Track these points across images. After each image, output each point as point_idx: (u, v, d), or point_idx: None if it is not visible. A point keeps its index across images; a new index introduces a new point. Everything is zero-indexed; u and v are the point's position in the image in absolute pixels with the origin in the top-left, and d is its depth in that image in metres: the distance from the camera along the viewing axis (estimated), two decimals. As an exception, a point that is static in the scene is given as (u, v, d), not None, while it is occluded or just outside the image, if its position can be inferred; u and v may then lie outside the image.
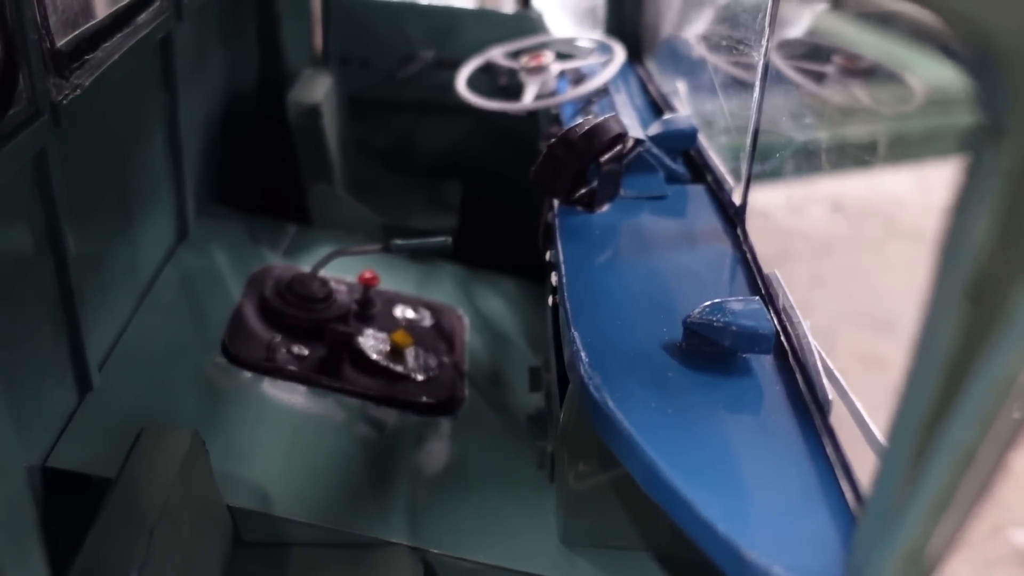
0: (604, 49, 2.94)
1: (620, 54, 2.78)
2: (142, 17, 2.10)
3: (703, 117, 2.53)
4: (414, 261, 3.00)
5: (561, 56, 2.97)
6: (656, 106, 2.84)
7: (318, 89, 3.00)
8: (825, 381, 1.51)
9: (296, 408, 2.17)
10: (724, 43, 2.52)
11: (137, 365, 2.11)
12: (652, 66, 3.12)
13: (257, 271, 2.64)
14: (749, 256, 1.97)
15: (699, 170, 2.40)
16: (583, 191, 2.18)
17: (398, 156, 3.58)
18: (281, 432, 2.07)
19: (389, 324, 2.58)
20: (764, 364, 1.63)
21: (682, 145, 2.34)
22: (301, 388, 2.23)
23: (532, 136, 3.25)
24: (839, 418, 1.50)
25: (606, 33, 3.15)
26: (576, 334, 1.68)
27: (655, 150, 2.31)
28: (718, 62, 2.61)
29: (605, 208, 2.20)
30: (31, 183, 1.65)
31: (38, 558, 1.61)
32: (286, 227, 3.02)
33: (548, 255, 2.30)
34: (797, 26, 2.86)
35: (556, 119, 2.94)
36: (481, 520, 1.98)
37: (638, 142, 2.27)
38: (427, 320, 2.67)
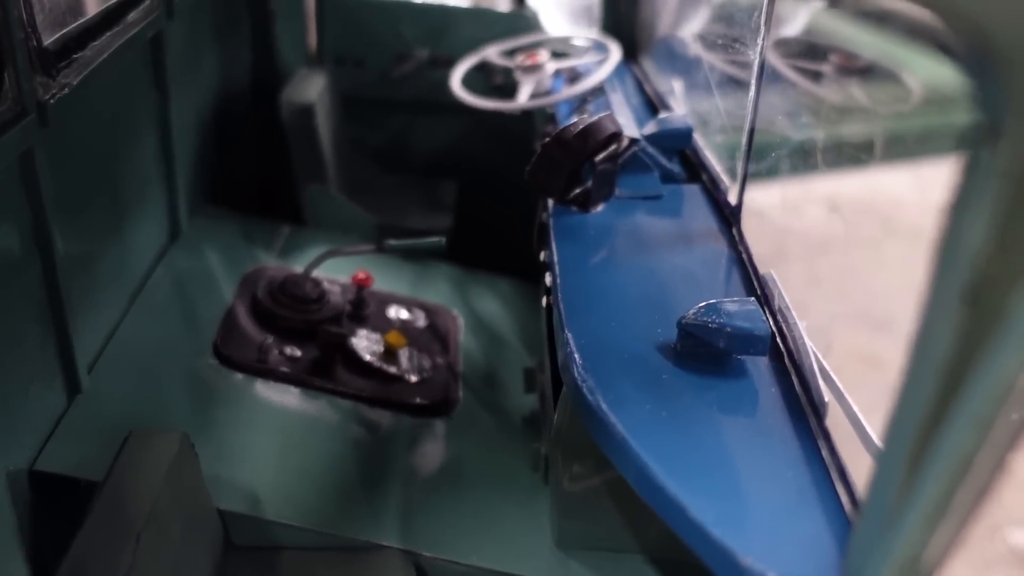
0: (600, 48, 2.92)
1: (616, 53, 2.76)
2: (132, 16, 2.08)
3: (699, 116, 2.51)
4: (408, 261, 2.98)
5: (556, 55, 2.95)
6: (652, 105, 2.82)
7: (312, 88, 2.98)
8: (821, 383, 1.49)
9: (288, 410, 2.15)
10: (720, 42, 2.50)
11: (127, 367, 2.09)
12: (648, 65, 3.10)
13: (250, 272, 2.62)
14: (745, 256, 1.96)
15: (695, 169, 2.39)
16: (578, 191, 2.16)
17: (393, 156, 3.56)
18: (273, 434, 2.06)
19: (383, 325, 2.56)
20: (760, 366, 1.62)
21: (677, 144, 2.33)
22: (293, 390, 2.21)
23: (527, 135, 3.24)
24: (835, 421, 1.48)
25: (602, 32, 3.14)
26: (570, 335, 1.67)
27: (650, 149, 2.29)
28: (714, 61, 2.59)
29: (600, 208, 2.18)
30: (18, 183, 1.63)
31: (19, 563, 1.60)
32: (280, 227, 3.00)
33: (542, 255, 2.28)
34: (793, 25, 2.85)
35: (551, 118, 2.92)
36: (475, 523, 1.97)
37: (633, 141, 2.25)
38: (421, 321, 2.65)
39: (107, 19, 1.96)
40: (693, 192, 2.30)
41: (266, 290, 2.45)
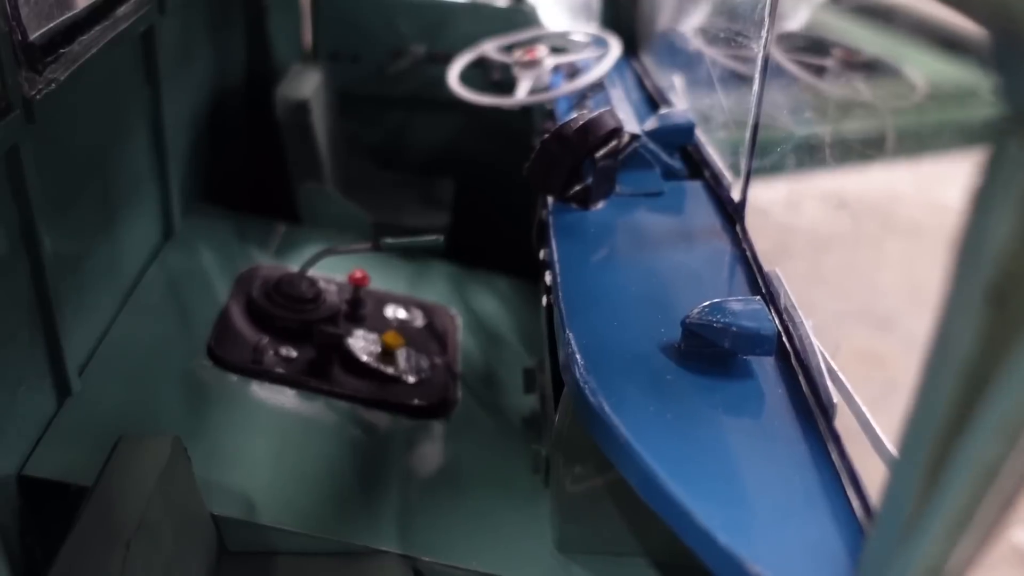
0: (599, 43, 2.88)
1: (615, 48, 2.72)
2: (122, 10, 2.04)
3: (701, 111, 2.47)
4: (405, 260, 2.94)
5: (555, 50, 2.91)
6: (653, 101, 2.78)
7: (307, 84, 2.94)
8: (829, 384, 1.45)
9: (284, 412, 2.11)
10: (722, 36, 2.46)
11: (119, 369, 2.05)
12: (648, 60, 3.06)
13: (244, 271, 2.58)
14: (749, 254, 1.92)
15: (696, 166, 2.35)
16: (578, 188, 2.12)
17: (389, 153, 3.52)
18: (268, 437, 2.02)
19: (380, 324, 2.52)
20: (765, 366, 1.58)
21: (679, 140, 2.29)
22: (289, 391, 2.17)
23: (526, 132, 3.19)
24: (844, 422, 1.44)
25: (601, 26, 3.09)
26: (571, 335, 1.63)
27: (651, 145, 2.25)
28: (716, 55, 2.55)
29: (600, 205, 2.14)
30: (3, 180, 1.59)
31: (3, 571, 1.55)
32: (275, 226, 2.96)
33: (542, 253, 2.24)
34: (796, 20, 2.81)
35: (550, 114, 2.88)
36: (474, 526, 1.93)
37: (634, 137, 2.21)
38: (419, 320, 2.61)
39: (96, 13, 1.92)
40: (695, 189, 2.26)
41: (261, 290, 2.41)
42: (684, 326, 1.57)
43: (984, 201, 0.77)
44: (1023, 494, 0.80)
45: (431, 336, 2.57)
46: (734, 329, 1.51)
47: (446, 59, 3.08)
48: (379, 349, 2.35)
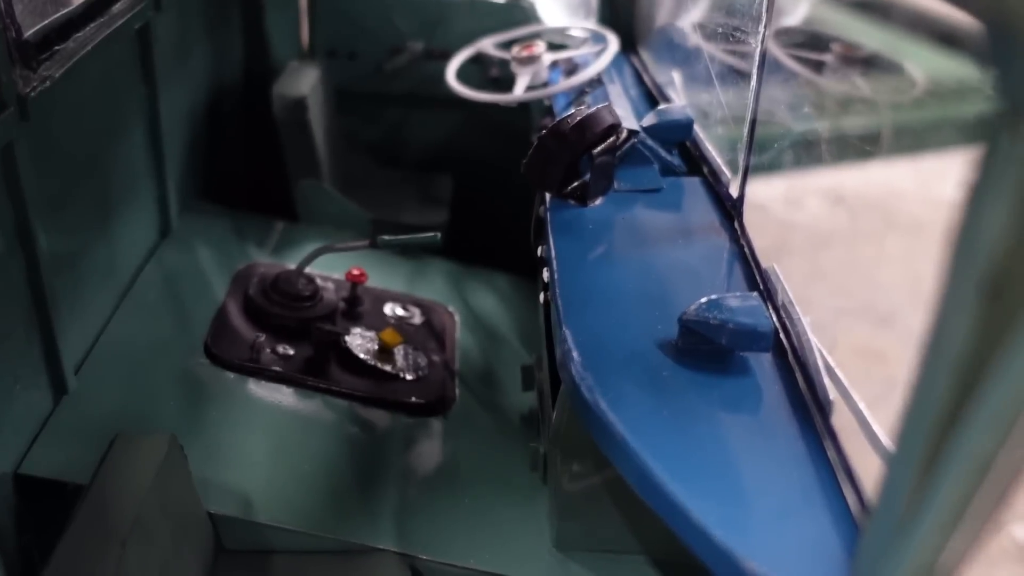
0: (597, 39, 2.87)
1: (613, 43, 2.71)
2: (117, 7, 2.03)
3: (699, 107, 2.46)
4: (404, 257, 2.93)
5: (553, 46, 2.90)
6: (651, 97, 2.77)
7: (304, 82, 2.93)
8: (826, 380, 1.45)
9: (281, 410, 2.11)
10: (720, 31, 2.46)
11: (116, 367, 2.04)
12: (647, 56, 3.05)
13: (241, 269, 2.57)
14: (747, 250, 1.91)
15: (695, 162, 2.34)
16: (575, 184, 2.12)
17: (387, 150, 3.51)
18: (265, 435, 2.01)
19: (378, 322, 2.51)
20: (763, 363, 1.58)
21: (678, 136, 2.28)
22: (286, 389, 2.17)
23: (524, 128, 3.19)
24: (840, 419, 1.44)
25: (599, 22, 3.09)
26: (568, 332, 1.62)
27: (650, 142, 2.24)
28: (714, 51, 2.54)
29: (598, 202, 2.13)
30: None
31: (-1, 572, 1.55)
32: (272, 223, 2.95)
33: (540, 250, 2.23)
34: (794, 15, 2.80)
35: (549, 111, 2.87)
36: (472, 524, 1.92)
37: (632, 133, 2.20)
38: (417, 318, 2.61)
39: (91, 10, 1.91)
40: (693, 185, 2.25)
41: (258, 287, 2.41)
42: (681, 323, 1.56)
43: (979, 195, 0.77)
44: (1018, 489, 0.80)
45: (429, 334, 2.56)
46: (731, 326, 1.50)
47: (444, 56, 3.07)
48: (377, 347, 2.34)
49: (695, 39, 2.68)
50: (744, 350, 1.54)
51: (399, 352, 2.36)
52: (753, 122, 1.97)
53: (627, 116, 2.35)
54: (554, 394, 1.92)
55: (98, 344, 2.08)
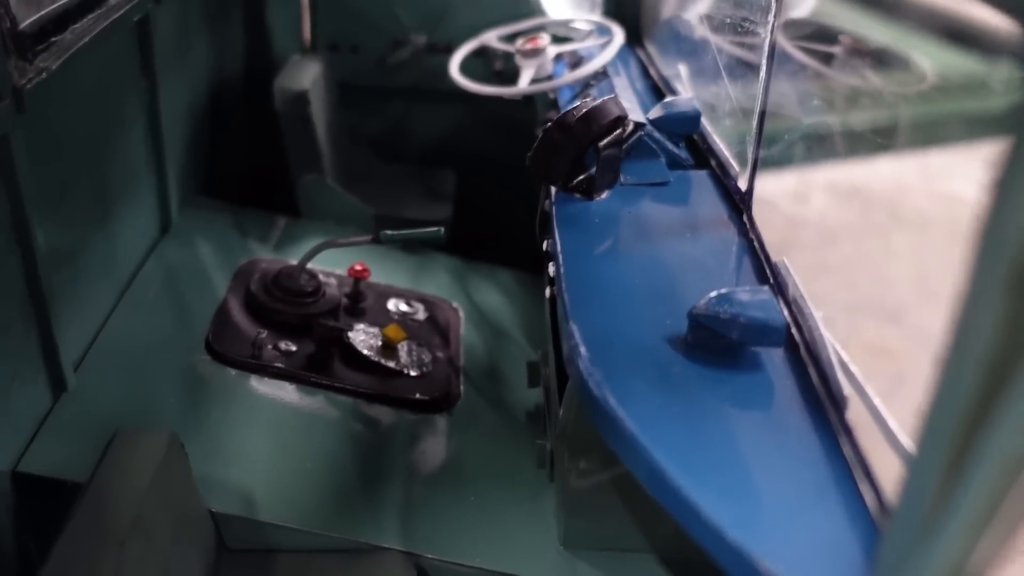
0: (602, 31, 2.84)
1: (619, 35, 2.68)
2: None
3: (706, 100, 2.43)
4: (407, 252, 2.90)
5: (558, 39, 2.86)
6: (657, 90, 2.74)
7: (306, 75, 2.90)
8: (840, 375, 1.41)
9: (283, 406, 2.08)
10: (727, 22, 2.42)
11: (116, 364, 2.02)
12: (652, 48, 3.02)
13: (243, 264, 2.54)
14: (756, 243, 1.88)
15: (702, 155, 2.31)
16: (581, 177, 2.08)
17: (390, 144, 3.48)
18: (268, 432, 1.98)
19: (381, 318, 2.48)
20: (774, 358, 1.54)
21: (685, 129, 2.25)
22: (288, 386, 2.14)
23: (529, 122, 3.15)
24: (855, 415, 1.41)
25: (604, 14, 3.05)
26: (575, 327, 1.59)
27: (656, 134, 2.21)
28: (721, 43, 2.51)
29: (604, 195, 2.10)
30: None
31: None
32: (274, 219, 2.92)
33: (545, 244, 2.20)
34: (801, 7, 2.76)
35: (554, 104, 2.84)
36: (478, 522, 1.90)
37: (638, 126, 2.17)
38: (421, 313, 2.58)
39: (89, 1, 1.88)
40: (701, 178, 2.22)
41: (260, 283, 2.38)
42: (691, 317, 1.53)
43: (1005, 188, 0.74)
44: (1050, 488, 0.77)
45: (433, 329, 2.53)
46: (742, 320, 1.47)
47: (447, 49, 3.03)
48: (380, 343, 2.31)
49: (702, 31, 2.64)
50: (756, 345, 1.51)
51: (403, 348, 2.33)
52: (762, 114, 1.93)
53: (634, 109, 2.32)
54: (561, 390, 1.89)
55: (98, 341, 2.05)
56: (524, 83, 2.67)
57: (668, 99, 2.34)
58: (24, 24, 1.60)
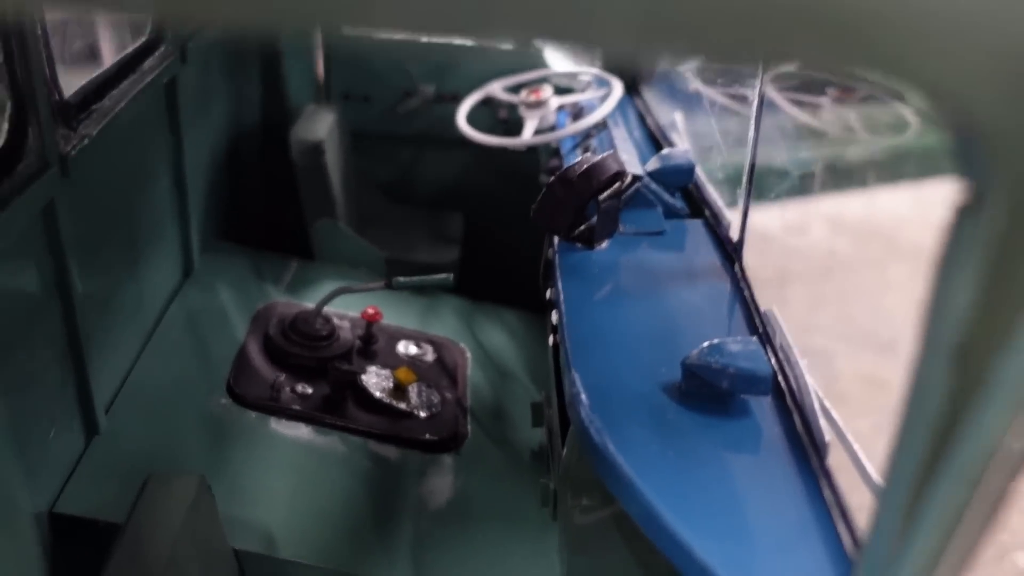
0: (602, 83, 2.97)
1: (618, 89, 2.81)
2: (148, 63, 2.14)
3: (700, 148, 2.55)
4: (416, 294, 3.02)
5: (560, 90, 3.00)
6: (654, 138, 2.87)
7: (321, 125, 3.03)
8: (822, 422, 1.52)
9: (301, 448, 2.19)
10: (718, 75, 2.56)
11: (143, 407, 2.13)
12: (649, 98, 3.16)
13: (261, 308, 2.66)
14: (747, 293, 1.99)
15: (696, 204, 2.43)
16: (582, 227, 2.20)
17: (399, 188, 3.61)
18: (286, 472, 2.09)
19: (392, 360, 2.60)
20: (763, 405, 1.65)
21: (680, 181, 2.37)
22: (305, 427, 2.25)
23: (532, 168, 3.28)
24: (837, 457, 1.51)
25: (603, 67, 3.19)
26: (576, 375, 1.70)
27: (653, 186, 2.33)
28: (713, 94, 2.64)
29: (604, 244, 2.22)
30: (40, 232, 1.68)
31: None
32: (288, 262, 3.05)
33: (548, 293, 2.32)
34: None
35: (556, 152, 2.97)
36: (484, 558, 1.99)
37: (636, 178, 2.30)
38: (429, 355, 2.69)
39: (124, 68, 2.02)
40: (695, 227, 2.34)
41: (277, 328, 2.50)
42: (684, 367, 1.64)
43: (946, 268, 0.85)
44: (992, 530, 0.88)
45: (441, 371, 2.64)
46: (732, 370, 1.58)
47: (454, 99, 3.17)
48: (392, 385, 2.43)
49: (695, 83, 2.78)
50: (744, 393, 1.62)
51: (413, 390, 2.44)
52: (752, 167, 2.05)
53: (631, 159, 2.45)
54: (564, 432, 2.00)
55: (126, 384, 2.17)
56: (528, 134, 2.80)
57: (664, 151, 2.46)
58: (69, 95, 1.73)
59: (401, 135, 3.49)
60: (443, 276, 2.52)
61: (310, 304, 2.62)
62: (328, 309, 2.57)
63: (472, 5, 0.64)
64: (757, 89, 2.00)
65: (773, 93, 2.59)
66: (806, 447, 1.53)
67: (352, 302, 2.71)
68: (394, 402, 2.37)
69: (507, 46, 3.40)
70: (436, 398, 2.47)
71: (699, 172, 2.43)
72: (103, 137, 1.86)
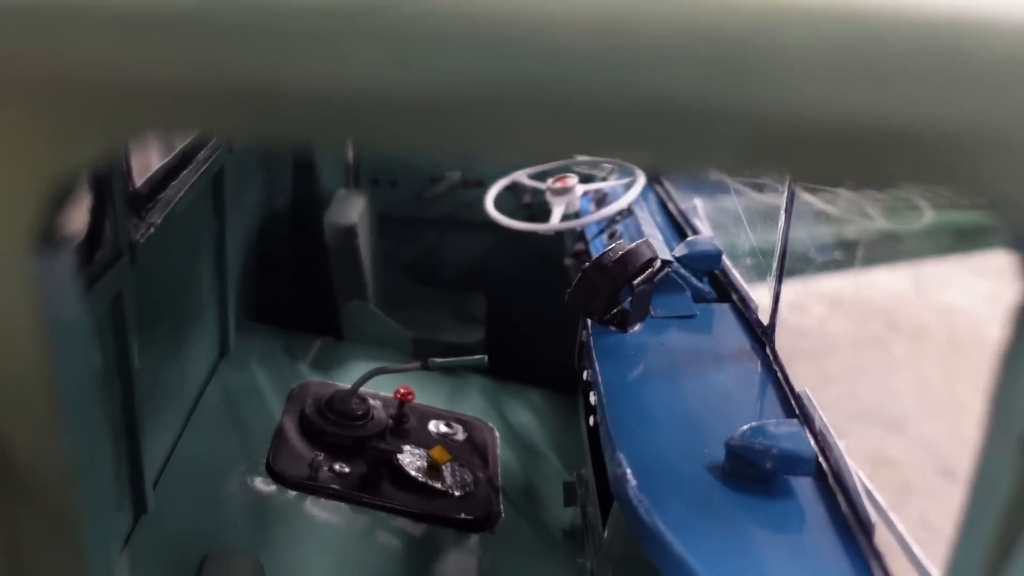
0: (625, 172, 3.10)
1: (641, 177, 2.92)
2: (202, 153, 2.25)
3: (721, 233, 2.65)
4: (443, 374, 3.07)
5: (584, 178, 3.12)
6: (676, 223, 2.97)
7: (353, 209, 3.14)
8: (867, 503, 1.57)
9: (340, 527, 2.22)
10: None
11: (187, 486, 2.17)
12: (669, 185, 3.27)
13: (295, 388, 2.72)
14: (780, 376, 2.06)
15: (723, 288, 2.51)
16: (615, 311, 2.28)
17: (423, 270, 3.70)
18: (328, 552, 2.12)
19: (424, 439, 2.64)
20: (803, 485, 1.70)
21: (708, 266, 2.46)
22: (343, 506, 2.28)
23: (554, 251, 3.38)
24: (881, 540, 1.56)
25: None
26: (622, 456, 1.75)
27: (682, 271, 2.42)
28: (733, 181, 2.76)
29: (637, 327, 2.29)
30: (109, 317, 1.75)
31: None
32: (319, 342, 3.11)
33: (585, 374, 2.38)
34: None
35: (581, 236, 3.07)
36: None
37: (665, 263, 2.38)
38: (460, 434, 2.74)
39: (184, 159, 2.12)
40: (723, 311, 2.42)
41: (314, 407, 2.55)
42: (728, 447, 1.70)
43: (1011, 359, 0.92)
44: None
45: (472, 450, 2.68)
46: (775, 451, 1.64)
47: (479, 184, 3.29)
48: (426, 464, 2.47)
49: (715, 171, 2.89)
50: (787, 474, 1.67)
51: (447, 469, 2.48)
52: (783, 255, 2.14)
53: (658, 245, 2.54)
54: (604, 511, 2.03)
55: (170, 463, 2.21)
56: (555, 220, 2.90)
57: (691, 238, 2.56)
58: (139, 185, 1.83)
59: (427, 218, 3.60)
60: (478, 357, 2.58)
61: (342, 383, 2.67)
62: (361, 389, 2.62)
63: (593, 133, 0.73)
64: (787, 183, 2.11)
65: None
66: (851, 527, 1.57)
67: (382, 382, 2.76)
68: (429, 481, 2.41)
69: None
70: (469, 477, 2.50)
71: (725, 259, 2.52)
72: (164, 225, 1.95)
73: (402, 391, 2.65)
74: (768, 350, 2.17)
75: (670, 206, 3.13)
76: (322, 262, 3.18)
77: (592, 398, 2.16)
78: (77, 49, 0.69)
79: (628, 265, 2.22)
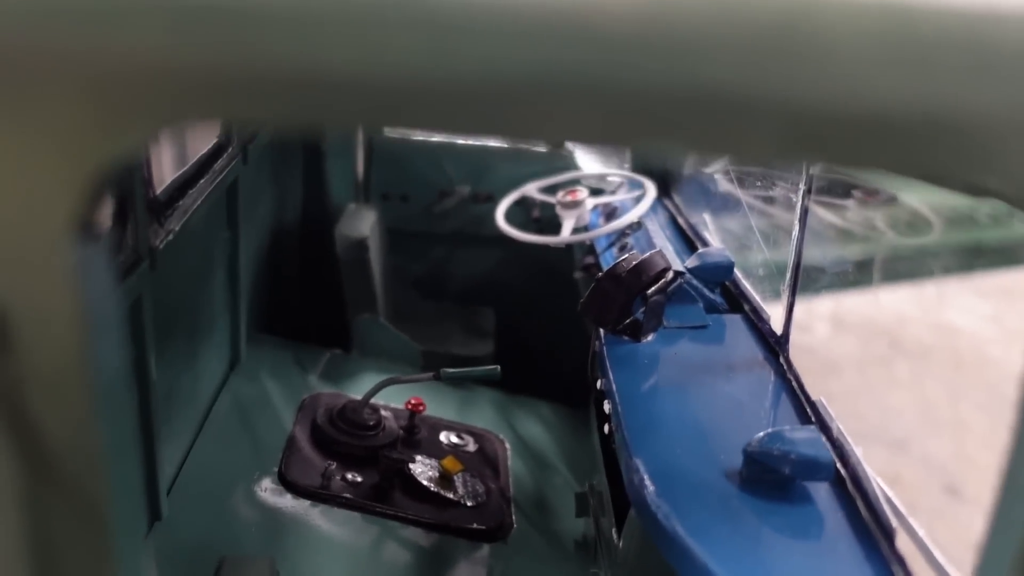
0: (634, 185, 3.11)
1: (652, 190, 2.94)
2: (218, 163, 2.26)
3: (731, 245, 2.67)
4: (453, 386, 3.07)
5: (593, 192, 3.13)
6: (685, 236, 2.99)
7: (364, 223, 3.15)
8: (887, 508, 1.57)
9: (352, 535, 2.21)
10: (746, 176, 2.69)
11: (200, 494, 2.16)
12: (679, 199, 3.29)
13: (307, 398, 2.72)
14: (795, 384, 2.06)
15: (734, 299, 2.52)
16: (628, 321, 2.29)
17: (433, 284, 3.71)
18: (340, 560, 2.11)
19: (435, 450, 2.63)
20: (820, 491, 1.70)
21: (720, 277, 2.47)
22: (356, 515, 2.28)
23: (563, 264, 3.39)
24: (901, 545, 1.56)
25: (633, 169, 3.33)
26: (639, 462, 1.75)
27: (694, 281, 2.43)
28: (742, 195, 2.78)
29: (650, 337, 2.30)
30: (128, 321, 1.76)
31: None
32: (328, 354, 3.11)
33: (599, 383, 2.38)
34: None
35: (590, 249, 3.08)
36: None
37: (678, 274, 2.39)
38: (471, 446, 2.73)
39: (201, 168, 2.14)
40: (735, 321, 2.43)
41: (326, 417, 2.55)
42: (746, 453, 1.70)
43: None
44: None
45: (484, 461, 2.68)
46: (793, 456, 1.64)
47: (489, 199, 3.31)
48: (438, 474, 2.46)
49: (725, 185, 2.91)
50: (806, 479, 1.67)
51: (459, 479, 2.47)
52: (797, 265, 2.15)
53: (671, 257, 2.55)
54: (618, 520, 2.03)
55: (183, 471, 2.21)
56: (566, 233, 2.92)
57: (702, 250, 2.57)
58: (159, 191, 1.84)
59: (436, 232, 3.61)
60: (490, 368, 2.59)
61: (353, 394, 2.67)
62: (372, 400, 2.62)
63: (633, 121, 0.74)
64: (801, 193, 2.12)
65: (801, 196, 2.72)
66: (872, 532, 1.57)
67: (392, 393, 2.76)
68: (441, 491, 2.40)
69: (540, 148, 3.56)
70: (480, 488, 2.50)
71: (736, 270, 2.53)
72: (182, 233, 1.96)
73: (413, 402, 2.65)
74: (782, 359, 2.18)
75: (680, 220, 3.14)
76: (332, 275, 3.19)
77: (606, 407, 2.17)
78: (125, 37, 0.70)
79: (642, 275, 2.23)
